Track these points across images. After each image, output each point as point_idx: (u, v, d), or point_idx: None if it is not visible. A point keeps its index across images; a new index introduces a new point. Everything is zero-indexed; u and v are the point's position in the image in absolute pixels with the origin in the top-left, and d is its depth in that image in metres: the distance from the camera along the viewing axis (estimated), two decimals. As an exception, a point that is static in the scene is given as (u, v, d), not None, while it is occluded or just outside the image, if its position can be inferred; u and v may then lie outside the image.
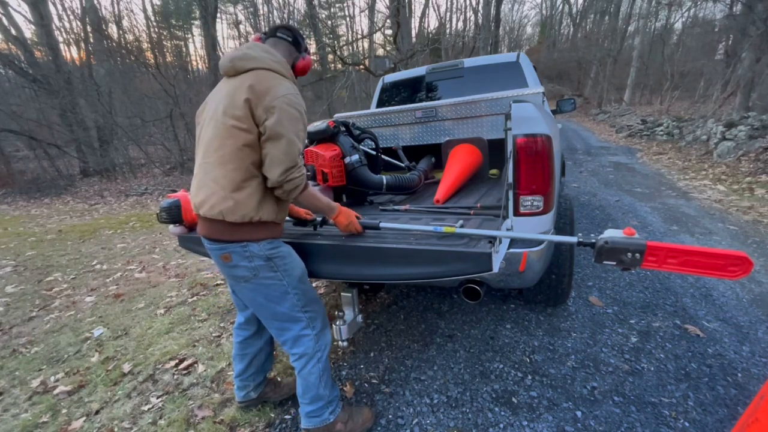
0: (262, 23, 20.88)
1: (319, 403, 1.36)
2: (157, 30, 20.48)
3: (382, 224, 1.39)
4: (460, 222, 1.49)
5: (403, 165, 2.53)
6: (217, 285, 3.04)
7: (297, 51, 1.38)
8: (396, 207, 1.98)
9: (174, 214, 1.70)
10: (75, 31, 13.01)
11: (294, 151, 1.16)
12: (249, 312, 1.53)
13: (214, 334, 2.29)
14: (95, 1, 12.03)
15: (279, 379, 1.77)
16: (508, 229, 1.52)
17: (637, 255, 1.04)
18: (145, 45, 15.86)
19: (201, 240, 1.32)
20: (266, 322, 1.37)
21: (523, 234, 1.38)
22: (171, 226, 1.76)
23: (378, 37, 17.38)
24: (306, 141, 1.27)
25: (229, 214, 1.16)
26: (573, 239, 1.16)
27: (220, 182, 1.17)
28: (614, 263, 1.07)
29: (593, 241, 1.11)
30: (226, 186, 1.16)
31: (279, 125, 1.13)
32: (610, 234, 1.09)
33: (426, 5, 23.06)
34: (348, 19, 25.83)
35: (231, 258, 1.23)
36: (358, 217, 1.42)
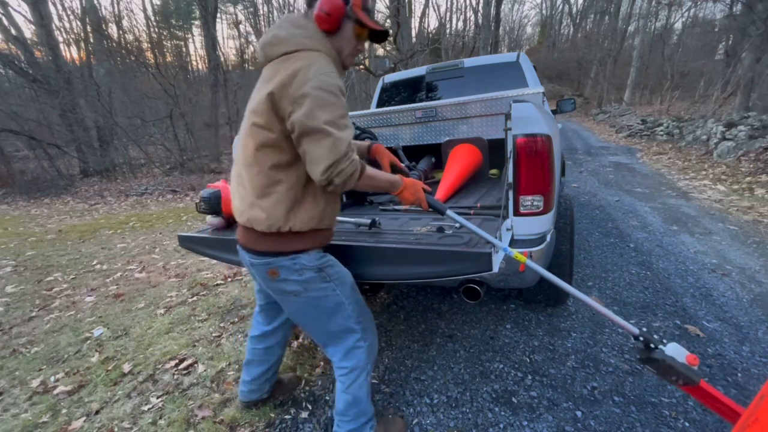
0: (262, 23, 20.88)
1: (362, 419, 1.27)
2: (157, 30, 20.51)
3: (448, 212, 1.29)
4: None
5: (402, 165, 2.52)
6: (217, 285, 3.04)
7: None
8: (396, 207, 1.98)
9: (213, 205, 1.69)
10: (75, 31, 13.04)
11: (338, 145, 0.96)
12: (281, 319, 1.49)
13: (214, 334, 2.29)
14: (95, 1, 12.04)
15: (282, 378, 1.77)
16: (508, 230, 1.52)
17: (681, 382, 0.99)
18: (145, 45, 15.90)
19: (239, 248, 1.20)
20: (316, 335, 1.26)
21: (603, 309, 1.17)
22: (209, 217, 1.76)
23: (378, 37, 17.33)
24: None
25: (256, 223, 1.06)
26: (635, 330, 1.07)
27: (246, 187, 1.08)
28: (655, 372, 1.02)
29: (653, 346, 1.02)
30: (251, 192, 1.07)
31: (310, 118, 0.94)
32: (673, 352, 1.00)
33: (426, 5, 23.08)
34: (348, 19, 25.79)
35: (279, 273, 1.10)
36: (425, 190, 1.27)
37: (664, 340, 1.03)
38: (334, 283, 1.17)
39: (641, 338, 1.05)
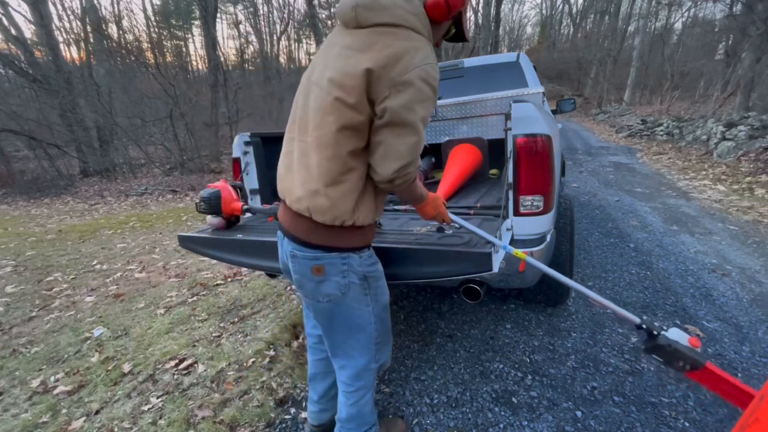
0: (262, 23, 20.90)
1: (365, 427, 1.24)
2: (157, 30, 20.52)
3: (460, 222, 1.26)
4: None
5: None
6: (217, 285, 3.04)
7: None
8: (396, 207, 1.98)
9: (214, 205, 1.69)
10: (75, 31, 13.06)
11: (418, 146, 0.91)
12: None
13: (214, 334, 2.29)
14: (95, 1, 12.05)
15: None
16: (508, 230, 1.52)
17: (688, 366, 0.98)
18: (145, 45, 15.89)
19: (279, 234, 1.11)
20: (330, 342, 1.17)
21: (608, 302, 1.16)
22: (209, 217, 1.76)
23: (378, 37, 17.33)
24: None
25: (318, 213, 0.94)
26: (636, 319, 1.07)
27: (312, 171, 0.94)
28: (661, 361, 1.02)
29: (656, 333, 1.02)
30: (318, 177, 0.93)
31: (407, 110, 0.85)
32: (675, 336, 1.01)
33: (426, 5, 23.00)
34: (348, 19, 25.81)
35: (324, 271, 0.99)
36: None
37: (664, 327, 1.04)
38: (370, 297, 1.08)
39: (643, 326, 1.05)
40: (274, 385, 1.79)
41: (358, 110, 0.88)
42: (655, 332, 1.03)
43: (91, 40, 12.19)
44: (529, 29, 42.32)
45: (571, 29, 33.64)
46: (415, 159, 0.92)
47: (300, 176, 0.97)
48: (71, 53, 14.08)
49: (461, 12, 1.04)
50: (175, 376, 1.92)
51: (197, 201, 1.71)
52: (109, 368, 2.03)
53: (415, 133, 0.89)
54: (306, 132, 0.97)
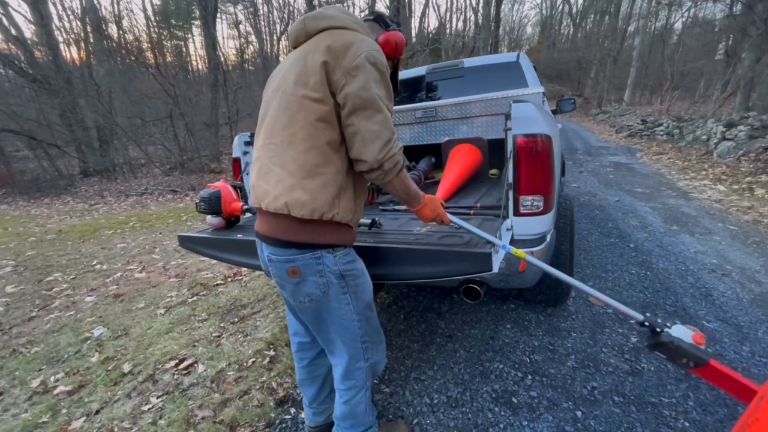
0: (262, 23, 20.90)
1: (361, 428, 1.24)
2: (157, 30, 20.49)
3: (451, 218, 1.26)
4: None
5: None
6: (217, 285, 3.04)
7: (381, 27, 1.19)
8: (396, 207, 1.98)
9: (214, 205, 1.69)
10: (75, 31, 13.06)
11: (388, 120, 0.95)
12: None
13: (214, 334, 2.29)
14: (95, 1, 12.04)
15: None
16: (508, 230, 1.52)
17: (692, 363, 0.98)
18: (145, 45, 15.87)
19: (257, 242, 1.13)
20: (322, 342, 1.21)
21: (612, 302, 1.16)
22: (209, 217, 1.77)
23: (378, 37, 17.34)
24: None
25: (296, 207, 0.95)
26: (639, 316, 1.06)
27: (288, 167, 0.96)
28: (665, 357, 1.02)
29: (659, 331, 1.02)
30: (295, 171, 0.95)
31: (365, 90, 0.92)
32: (679, 333, 1.00)
33: (426, 5, 23.09)
34: (348, 19, 25.79)
35: (299, 272, 1.02)
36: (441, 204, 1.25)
37: (668, 323, 1.03)
38: (349, 294, 1.09)
39: (647, 323, 1.05)
40: (274, 385, 1.79)
41: (324, 102, 0.94)
42: (659, 329, 1.03)
43: (91, 40, 12.20)
44: (529, 29, 42.39)
45: (571, 29, 33.67)
46: (392, 135, 0.96)
47: (274, 176, 0.99)
48: (71, 53, 14.10)
49: (399, 60, 1.26)
50: (175, 376, 1.92)
51: (197, 201, 1.72)
52: (109, 368, 2.03)
53: (380, 110, 0.94)
54: (274, 135, 1.01)
